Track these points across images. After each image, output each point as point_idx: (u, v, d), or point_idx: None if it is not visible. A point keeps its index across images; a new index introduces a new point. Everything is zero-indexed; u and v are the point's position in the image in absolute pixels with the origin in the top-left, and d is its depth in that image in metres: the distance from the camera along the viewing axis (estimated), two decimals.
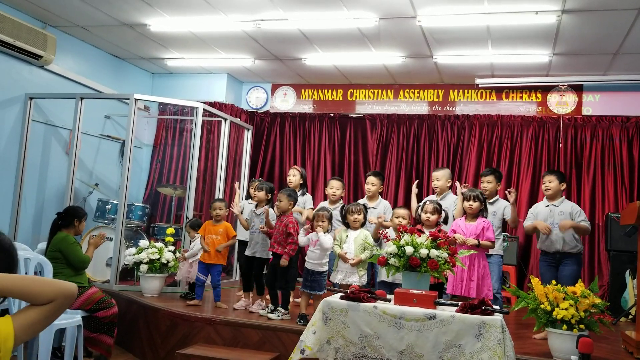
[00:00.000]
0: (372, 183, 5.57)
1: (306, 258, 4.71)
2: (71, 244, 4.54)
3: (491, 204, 5.21)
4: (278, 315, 4.70)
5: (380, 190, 5.62)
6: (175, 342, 4.74)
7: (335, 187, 5.68)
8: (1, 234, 1.68)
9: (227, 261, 7.88)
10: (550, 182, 5.15)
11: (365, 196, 5.69)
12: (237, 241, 6.04)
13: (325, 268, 4.69)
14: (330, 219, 4.74)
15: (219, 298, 5.29)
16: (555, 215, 5.07)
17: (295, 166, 6.13)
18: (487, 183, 5.31)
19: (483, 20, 5.65)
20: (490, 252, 5.03)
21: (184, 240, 5.98)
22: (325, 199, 5.95)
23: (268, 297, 5.13)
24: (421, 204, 5.02)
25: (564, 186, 5.18)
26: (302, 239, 4.77)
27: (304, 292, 4.70)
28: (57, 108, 6.83)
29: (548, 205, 5.16)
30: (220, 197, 6.80)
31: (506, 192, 5.18)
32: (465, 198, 4.69)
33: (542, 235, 5.08)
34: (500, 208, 5.22)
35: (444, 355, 3.22)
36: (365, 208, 4.89)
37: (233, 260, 7.06)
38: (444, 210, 4.88)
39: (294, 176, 5.87)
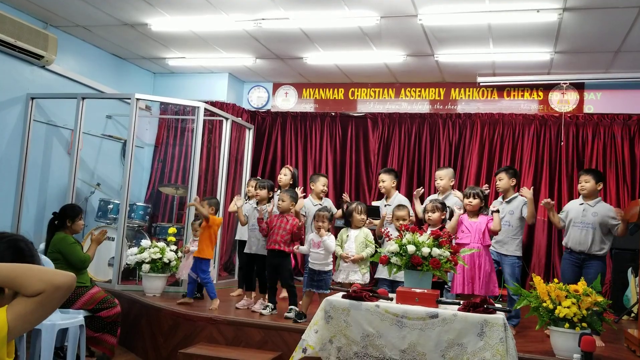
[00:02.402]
0: (381, 180, 5.56)
1: (310, 259, 4.73)
2: (70, 244, 4.54)
3: (508, 202, 5.16)
4: (295, 314, 4.67)
5: (393, 185, 5.53)
6: (177, 342, 4.75)
7: (325, 184, 5.83)
8: (14, 234, 1.69)
9: (229, 260, 7.94)
10: (586, 182, 4.98)
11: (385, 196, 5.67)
12: (237, 240, 6.06)
13: (331, 267, 4.71)
14: (330, 219, 4.75)
15: (214, 294, 5.19)
16: (589, 215, 4.92)
17: (287, 166, 6.15)
18: (499, 180, 5.26)
19: (484, 18, 5.64)
20: (506, 252, 5.02)
21: (186, 239, 5.97)
22: (333, 198, 6.03)
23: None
24: (424, 205, 5.02)
25: (600, 186, 5.01)
26: (303, 248, 4.82)
27: (308, 291, 4.72)
28: (58, 108, 6.83)
29: (582, 204, 5.00)
30: (222, 197, 6.80)
31: (521, 190, 5.13)
32: (465, 195, 4.70)
33: (571, 233, 4.97)
34: (519, 206, 5.09)
35: (446, 354, 3.22)
36: (367, 207, 4.93)
37: (235, 259, 7.06)
38: (448, 207, 4.88)
39: (284, 175, 5.90)
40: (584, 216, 4.93)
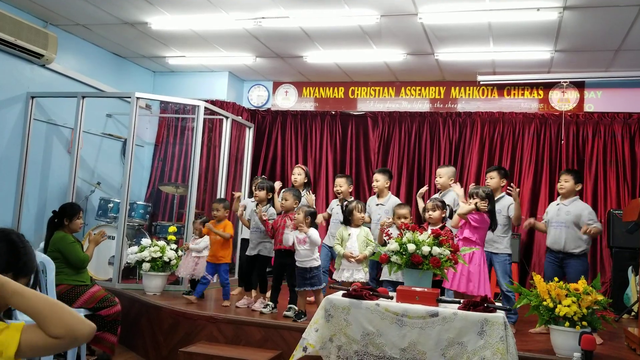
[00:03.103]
0: (375, 179, 5.60)
1: (297, 258, 4.65)
2: (70, 244, 4.53)
3: (496, 201, 5.19)
4: (294, 313, 4.68)
5: (387, 186, 5.59)
6: (177, 340, 4.75)
7: (338, 184, 5.70)
8: (4, 228, 1.70)
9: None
10: (565, 182, 5.13)
11: (376, 194, 5.69)
12: (242, 239, 6.06)
13: (319, 262, 4.68)
14: (312, 215, 4.71)
15: (229, 296, 5.33)
16: (562, 214, 5.07)
17: (300, 165, 6.12)
18: (490, 179, 5.33)
19: (484, 17, 5.64)
20: (497, 250, 5.04)
21: (187, 236, 5.97)
22: (334, 197, 5.99)
23: (268, 294, 5.15)
24: (426, 204, 5.02)
25: (579, 187, 5.18)
26: (289, 238, 4.71)
27: (303, 291, 4.68)
28: (58, 107, 6.83)
29: (558, 204, 5.17)
30: (222, 196, 6.81)
31: (508, 189, 5.16)
32: (469, 196, 4.70)
33: (549, 233, 5.11)
34: (505, 205, 5.16)
35: (446, 353, 3.22)
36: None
37: (235, 259, 7.06)
38: (448, 205, 4.88)
39: (299, 174, 5.86)
40: (558, 215, 5.10)
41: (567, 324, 3.80)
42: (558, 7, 5.31)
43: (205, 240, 5.50)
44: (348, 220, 4.90)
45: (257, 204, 5.33)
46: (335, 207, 5.78)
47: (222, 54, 7.53)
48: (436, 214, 4.68)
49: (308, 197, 5.56)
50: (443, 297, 3.57)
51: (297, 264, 4.66)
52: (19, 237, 1.72)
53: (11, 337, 1.44)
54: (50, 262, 4.33)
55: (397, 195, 7.82)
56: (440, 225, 4.58)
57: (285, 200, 4.96)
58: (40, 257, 4.29)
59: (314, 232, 4.60)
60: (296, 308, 4.71)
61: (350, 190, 5.83)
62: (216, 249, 5.34)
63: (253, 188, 5.92)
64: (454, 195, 5.30)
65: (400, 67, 7.46)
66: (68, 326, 1.44)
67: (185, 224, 6.16)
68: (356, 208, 4.83)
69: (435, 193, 5.96)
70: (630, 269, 5.98)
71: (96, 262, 6.05)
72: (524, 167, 7.51)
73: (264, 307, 4.90)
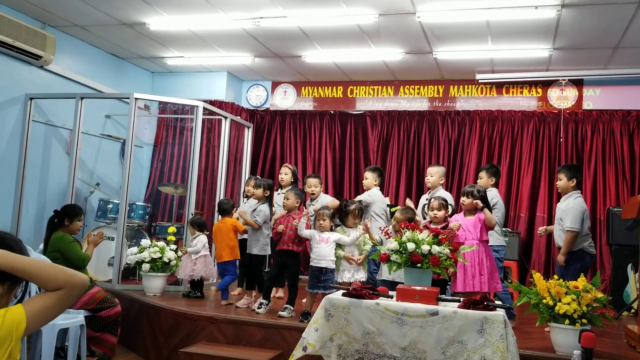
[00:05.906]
0: (365, 177, 5.67)
1: (316, 256, 4.62)
2: (69, 243, 4.54)
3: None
4: (289, 314, 4.70)
5: (375, 184, 5.61)
6: (178, 341, 4.75)
7: (312, 184, 5.64)
8: (6, 233, 1.70)
9: None
10: (559, 180, 5.25)
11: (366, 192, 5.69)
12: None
13: (334, 265, 4.68)
14: (332, 217, 4.72)
15: (227, 296, 5.36)
16: (560, 211, 5.19)
17: (287, 164, 6.11)
18: (479, 179, 5.47)
19: (483, 15, 5.64)
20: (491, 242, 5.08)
21: (186, 238, 5.98)
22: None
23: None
24: (424, 203, 5.01)
25: (573, 182, 5.15)
26: (305, 231, 4.71)
27: (315, 293, 4.66)
28: (57, 108, 6.83)
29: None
30: (222, 196, 6.82)
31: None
32: (462, 194, 4.70)
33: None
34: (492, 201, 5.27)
35: (446, 351, 3.22)
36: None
37: None
38: (450, 205, 4.88)
39: (285, 174, 5.86)
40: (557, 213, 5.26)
41: (567, 321, 3.80)
42: (556, 4, 5.31)
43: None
44: (343, 221, 4.88)
45: (257, 202, 5.33)
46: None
47: (221, 54, 7.53)
48: (441, 213, 4.65)
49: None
50: (443, 296, 3.58)
51: (312, 263, 4.63)
52: (16, 241, 1.70)
53: (17, 314, 1.50)
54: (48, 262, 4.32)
55: (396, 194, 7.86)
56: (443, 225, 4.56)
57: (287, 199, 4.96)
58: (40, 258, 4.29)
59: (347, 234, 4.66)
60: (292, 308, 4.72)
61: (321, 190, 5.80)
62: (233, 249, 5.42)
63: (247, 188, 5.93)
64: (445, 194, 5.32)
65: (399, 66, 7.46)
66: (66, 275, 1.56)
67: (185, 225, 6.16)
68: (352, 213, 4.80)
69: (425, 193, 5.94)
70: (629, 266, 5.99)
71: (96, 263, 6.05)
72: (523, 165, 7.51)
73: (258, 307, 4.89)
